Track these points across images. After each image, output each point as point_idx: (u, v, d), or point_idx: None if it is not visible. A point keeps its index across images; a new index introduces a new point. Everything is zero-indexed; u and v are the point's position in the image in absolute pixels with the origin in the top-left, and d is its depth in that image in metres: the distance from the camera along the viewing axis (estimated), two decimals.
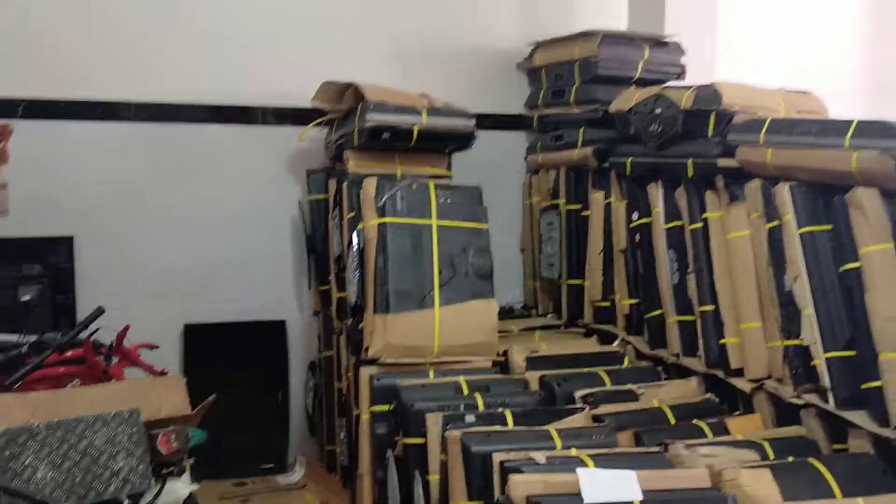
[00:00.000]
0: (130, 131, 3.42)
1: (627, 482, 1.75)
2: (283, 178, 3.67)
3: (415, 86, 3.44)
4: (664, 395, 2.61)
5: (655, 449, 2.07)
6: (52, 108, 3.32)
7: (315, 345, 3.68)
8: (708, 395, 2.65)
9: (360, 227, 2.93)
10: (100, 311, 2.83)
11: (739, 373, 2.64)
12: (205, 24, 3.51)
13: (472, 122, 3.25)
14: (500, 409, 2.35)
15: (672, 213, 2.97)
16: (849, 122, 2.28)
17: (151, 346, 3.12)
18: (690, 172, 2.83)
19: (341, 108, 3.36)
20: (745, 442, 2.13)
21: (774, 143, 2.51)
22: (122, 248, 3.45)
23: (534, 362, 2.86)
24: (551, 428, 2.15)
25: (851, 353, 2.26)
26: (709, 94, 2.80)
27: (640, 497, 1.72)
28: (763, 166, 2.55)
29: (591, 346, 3.20)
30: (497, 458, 1.92)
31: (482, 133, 3.77)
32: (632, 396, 2.58)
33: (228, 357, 3.57)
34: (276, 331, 3.68)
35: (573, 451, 1.98)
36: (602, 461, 1.91)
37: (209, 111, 3.54)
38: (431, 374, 2.73)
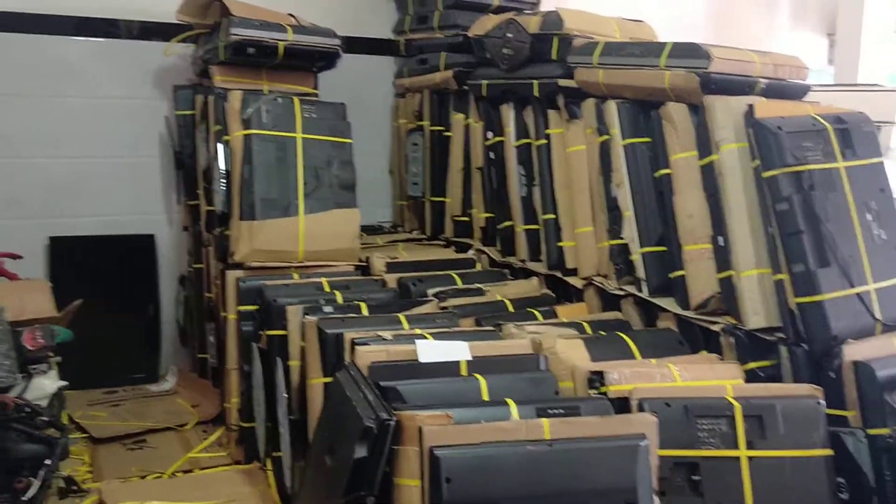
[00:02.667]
0: None
1: (459, 348, 2.00)
2: (150, 94, 3.69)
3: (284, 8, 3.52)
4: (508, 291, 2.89)
5: (490, 328, 2.34)
6: None
7: (185, 259, 3.77)
8: (545, 291, 2.95)
9: (225, 139, 3.04)
10: None
11: (574, 272, 2.96)
12: None
13: (338, 41, 3.38)
14: (356, 302, 2.57)
15: (521, 131, 3.23)
16: (664, 45, 2.57)
17: (15, 256, 3.15)
18: (536, 92, 3.08)
19: (207, 23, 3.42)
20: (569, 323, 2.44)
21: (605, 65, 2.78)
22: None
23: (393, 267, 3.08)
24: (401, 315, 2.38)
25: (662, 248, 2.60)
26: (553, 20, 3.05)
27: (468, 358, 1.98)
28: (596, 86, 2.82)
29: (448, 254, 3.45)
30: (348, 336, 2.13)
31: (352, 57, 3.91)
32: (479, 293, 2.85)
33: (97, 271, 3.62)
34: (145, 245, 3.74)
35: (417, 331, 2.22)
36: (441, 337, 2.16)
37: (73, 23, 3.51)
38: (296, 276, 2.90)
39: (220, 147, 3.04)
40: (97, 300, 3.50)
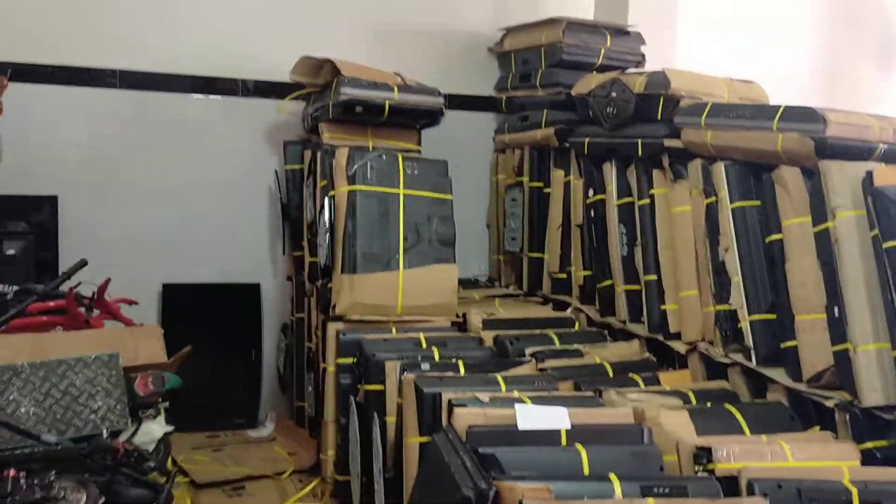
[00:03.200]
0: (115, 98, 3.58)
1: (559, 415, 1.96)
2: (261, 149, 3.85)
3: (391, 65, 3.63)
4: (608, 354, 2.83)
5: (590, 394, 2.29)
6: (40, 73, 3.48)
7: (288, 308, 3.87)
8: (647, 355, 2.88)
9: (331, 193, 3.12)
10: (83, 263, 3.00)
11: (677, 336, 2.87)
12: None
13: (441, 100, 3.45)
14: (453, 360, 2.56)
15: (623, 189, 3.19)
16: (777, 108, 2.51)
17: (131, 302, 3.29)
18: (640, 152, 3.05)
19: (318, 83, 3.55)
20: (672, 391, 2.36)
21: (714, 126, 2.73)
22: (103, 209, 3.62)
23: (490, 324, 3.07)
24: (498, 375, 2.36)
25: (772, 316, 2.50)
26: (659, 80, 3.02)
27: (568, 426, 1.93)
28: (704, 147, 2.77)
29: (546, 312, 3.42)
30: (446, 396, 2.13)
31: (454, 113, 4.02)
32: (577, 354, 2.80)
33: (205, 317, 3.75)
34: (251, 293, 3.86)
35: (515, 393, 2.20)
36: (540, 401, 2.13)
37: (192, 81, 3.71)
38: (394, 330, 2.93)
39: (325, 201, 3.13)
40: (204, 345, 3.64)
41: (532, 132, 3.83)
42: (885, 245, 2.09)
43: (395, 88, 3.36)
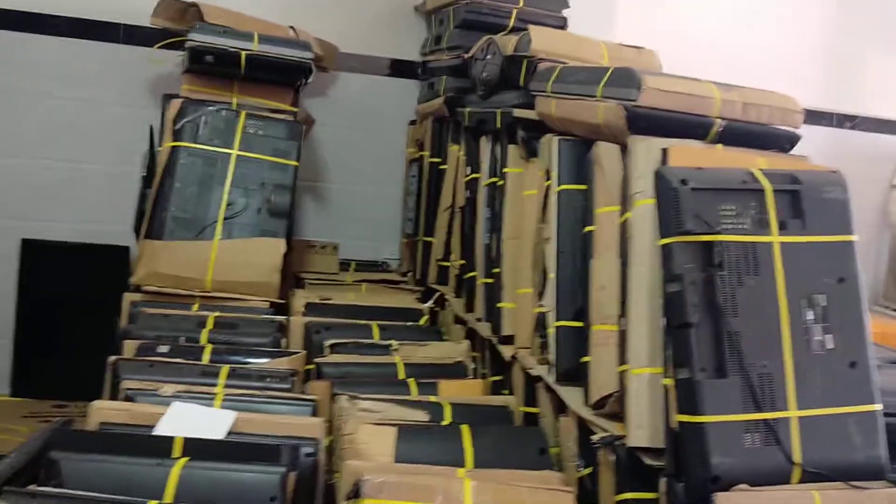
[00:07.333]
0: None
1: (219, 422, 1.59)
2: (139, 102, 3.55)
3: (308, 25, 3.31)
4: (420, 355, 2.43)
5: (310, 397, 1.90)
6: None
7: None
8: (460, 360, 2.45)
9: (158, 149, 2.81)
10: None
11: (511, 340, 2.44)
12: None
13: (309, 54, 3.07)
14: (209, 345, 2.21)
15: (493, 168, 2.76)
16: (606, 70, 2.04)
17: None
18: (498, 123, 2.61)
19: (184, 29, 3.23)
20: (426, 403, 1.95)
21: (557, 94, 2.28)
22: None
23: (316, 309, 2.70)
24: (225, 367, 2.00)
25: (579, 323, 2.04)
26: (524, 41, 2.58)
27: (220, 437, 1.56)
28: (551, 119, 2.33)
29: (403, 301, 3.02)
30: (124, 385, 1.79)
31: (373, 78, 3.65)
32: (383, 351, 2.41)
33: (67, 277, 3.50)
34: (118, 256, 3.58)
35: (216, 390, 1.83)
36: (234, 402, 1.76)
37: (66, 23, 3.43)
38: (196, 307, 2.60)
39: (146, 158, 2.82)
40: (64, 307, 3.43)
41: (433, 101, 3.42)
42: (660, 242, 1.62)
43: (256, 38, 3.00)
